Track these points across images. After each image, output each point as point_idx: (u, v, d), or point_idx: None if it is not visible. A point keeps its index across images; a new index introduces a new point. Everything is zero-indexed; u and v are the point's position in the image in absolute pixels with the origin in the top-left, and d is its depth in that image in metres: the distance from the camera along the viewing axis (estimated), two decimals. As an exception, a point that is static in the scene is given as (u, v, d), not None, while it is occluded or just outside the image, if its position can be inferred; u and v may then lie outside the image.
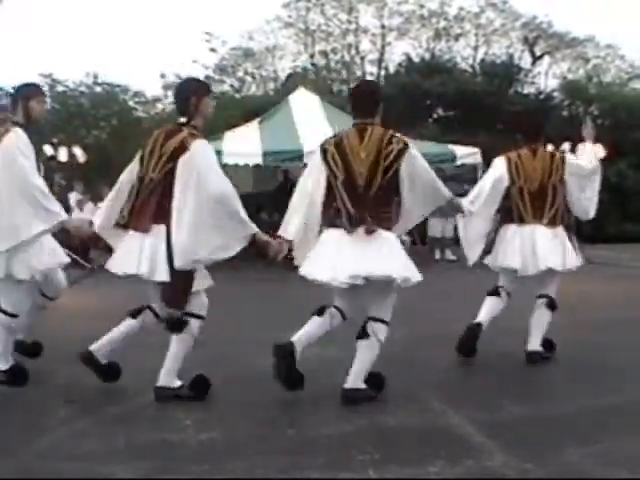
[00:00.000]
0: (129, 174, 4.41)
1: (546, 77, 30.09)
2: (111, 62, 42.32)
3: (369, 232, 4.15)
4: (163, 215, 4.12)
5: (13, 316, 4.53)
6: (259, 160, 12.08)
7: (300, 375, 4.21)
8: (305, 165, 12.22)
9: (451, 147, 13.50)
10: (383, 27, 30.54)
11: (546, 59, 30.37)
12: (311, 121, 13.32)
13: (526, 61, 29.67)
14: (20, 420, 3.97)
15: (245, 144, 12.52)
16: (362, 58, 31.02)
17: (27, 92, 4.64)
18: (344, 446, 3.44)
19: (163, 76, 29.91)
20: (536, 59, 29.94)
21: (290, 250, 4.39)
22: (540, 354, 5.14)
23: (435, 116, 25.53)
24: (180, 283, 4.12)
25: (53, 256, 4.71)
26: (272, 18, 30.58)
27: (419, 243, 13.12)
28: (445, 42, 30.64)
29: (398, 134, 4.36)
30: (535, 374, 4.90)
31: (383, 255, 4.16)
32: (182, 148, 4.13)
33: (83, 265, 11.02)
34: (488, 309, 5.34)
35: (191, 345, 4.27)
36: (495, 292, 5.41)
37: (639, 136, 20.81)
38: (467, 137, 16.82)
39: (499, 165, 5.40)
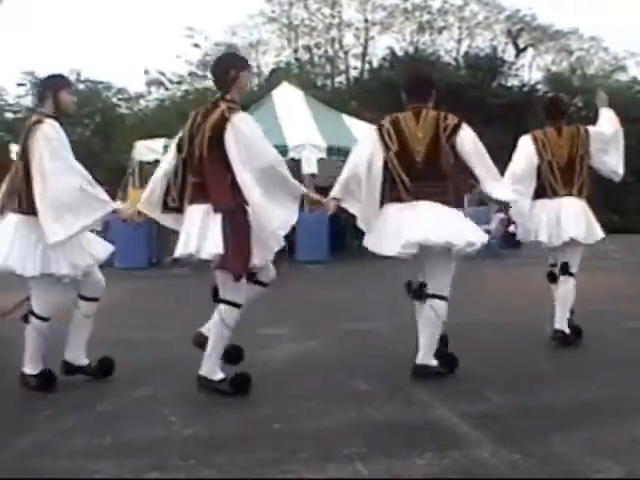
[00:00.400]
0: (169, 164, 4.36)
1: (530, 69, 30.29)
2: (94, 59, 42.20)
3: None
4: (214, 191, 4.07)
5: (45, 320, 4.35)
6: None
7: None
8: (292, 159, 12.28)
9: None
10: (366, 21, 30.59)
11: (530, 52, 30.56)
12: (295, 116, 13.29)
13: (510, 54, 29.84)
14: (6, 418, 3.94)
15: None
16: (346, 52, 31.08)
17: (55, 83, 4.46)
18: (330, 440, 3.43)
19: (146, 72, 29.94)
20: (520, 52, 30.06)
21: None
22: (569, 337, 5.29)
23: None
24: (236, 250, 3.99)
25: (94, 250, 4.50)
26: (255, 13, 30.69)
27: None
28: (429, 35, 30.75)
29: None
30: (520, 366, 4.91)
31: (440, 222, 4.31)
32: (223, 120, 4.07)
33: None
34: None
35: (225, 333, 4.17)
36: (552, 277, 5.55)
37: (625, 128, 20.88)
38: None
39: (526, 143, 5.52)
